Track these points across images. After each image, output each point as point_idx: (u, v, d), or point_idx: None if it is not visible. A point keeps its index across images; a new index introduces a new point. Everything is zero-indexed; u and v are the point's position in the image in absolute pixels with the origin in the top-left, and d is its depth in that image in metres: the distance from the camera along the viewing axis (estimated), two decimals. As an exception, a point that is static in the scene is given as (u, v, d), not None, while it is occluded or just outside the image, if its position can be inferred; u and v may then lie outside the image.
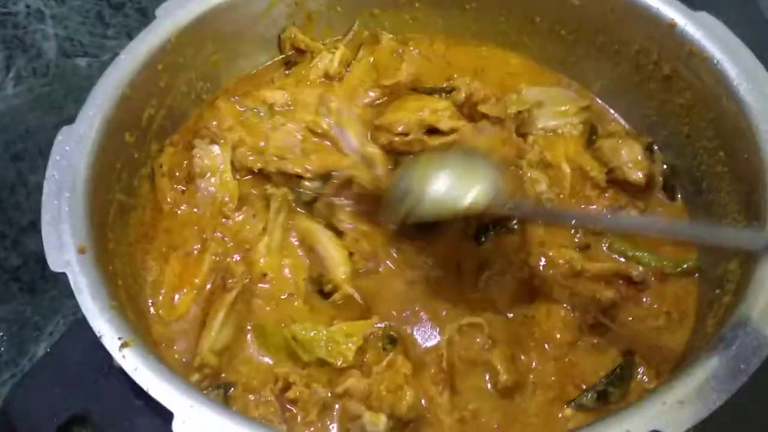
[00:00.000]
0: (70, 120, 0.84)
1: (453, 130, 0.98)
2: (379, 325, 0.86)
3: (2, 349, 1.09)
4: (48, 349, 1.01)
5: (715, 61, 0.89)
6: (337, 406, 0.80)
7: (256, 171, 0.97)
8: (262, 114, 1.03)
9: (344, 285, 0.89)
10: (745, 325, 0.71)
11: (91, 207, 0.80)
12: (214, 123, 0.99)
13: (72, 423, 0.69)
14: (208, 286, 0.90)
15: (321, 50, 1.11)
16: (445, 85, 1.06)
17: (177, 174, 0.98)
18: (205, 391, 0.81)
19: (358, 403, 0.79)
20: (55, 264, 0.73)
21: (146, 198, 0.96)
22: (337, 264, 0.90)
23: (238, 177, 0.98)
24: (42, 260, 1.14)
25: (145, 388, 0.66)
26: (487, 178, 0.82)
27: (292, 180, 0.96)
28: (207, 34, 1.00)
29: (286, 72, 1.12)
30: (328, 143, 1.00)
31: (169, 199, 0.96)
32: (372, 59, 1.10)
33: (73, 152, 0.82)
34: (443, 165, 0.85)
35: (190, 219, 0.96)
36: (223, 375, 0.84)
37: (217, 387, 0.83)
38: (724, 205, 0.88)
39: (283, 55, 1.13)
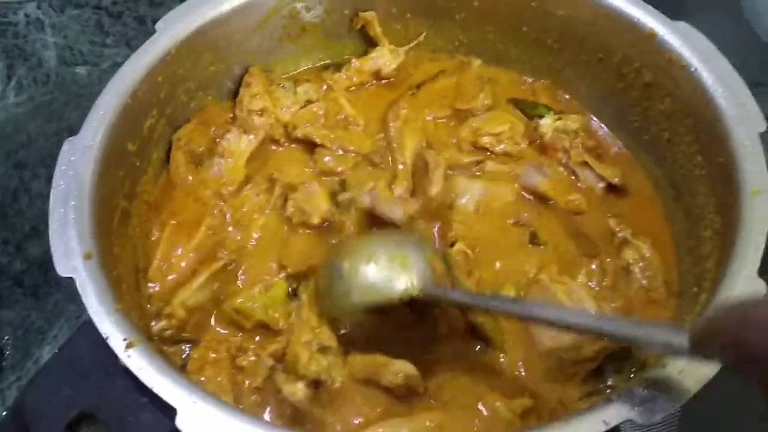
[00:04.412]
0: (71, 128, 0.86)
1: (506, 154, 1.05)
2: None
3: (8, 352, 1.12)
4: (56, 350, 1.04)
5: (693, 69, 0.92)
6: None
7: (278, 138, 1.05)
8: (285, 88, 1.09)
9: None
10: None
11: (96, 214, 0.82)
12: (251, 108, 1.05)
13: (80, 419, 0.71)
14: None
15: (385, 45, 1.14)
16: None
17: (193, 151, 1.02)
18: (165, 346, 0.87)
19: (282, 372, 0.82)
20: (62, 269, 0.76)
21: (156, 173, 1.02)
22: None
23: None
24: (45, 265, 1.19)
25: (149, 386, 0.68)
26: (419, 263, 0.82)
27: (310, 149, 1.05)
28: (205, 45, 1.02)
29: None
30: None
31: (181, 173, 1.01)
32: (455, 80, 1.14)
33: (78, 162, 0.84)
34: (372, 252, 0.84)
35: (195, 192, 1.00)
36: (185, 334, 0.88)
37: (179, 342, 0.88)
38: (701, 206, 0.91)
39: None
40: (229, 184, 1.00)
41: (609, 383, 0.84)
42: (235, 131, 1.04)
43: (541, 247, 0.96)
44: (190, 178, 1.01)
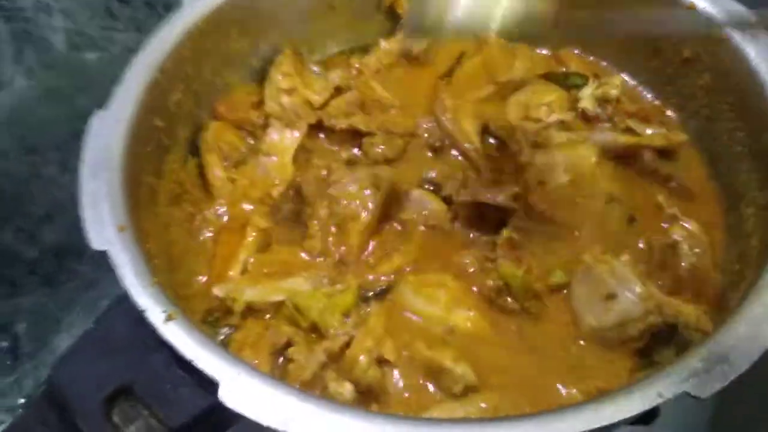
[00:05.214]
0: (82, 112, 0.84)
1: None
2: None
3: (23, 340, 1.10)
4: (75, 336, 1.02)
5: (734, 43, 0.91)
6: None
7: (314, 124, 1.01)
8: (316, 72, 1.07)
9: None
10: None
11: (126, 188, 0.80)
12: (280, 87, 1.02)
13: (117, 394, 0.69)
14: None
15: None
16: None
17: (226, 151, 0.99)
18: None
19: (332, 371, 0.79)
20: (96, 242, 0.74)
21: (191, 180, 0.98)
22: None
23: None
24: (60, 253, 1.17)
25: (190, 359, 0.66)
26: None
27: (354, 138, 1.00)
28: (231, 21, 1.01)
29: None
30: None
31: (218, 174, 0.97)
32: (480, 59, 1.11)
33: (108, 135, 0.82)
34: None
35: (243, 193, 0.97)
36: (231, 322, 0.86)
37: (220, 325, 0.86)
38: (743, 183, 0.90)
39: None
40: (280, 185, 0.97)
41: (656, 361, 0.82)
42: (277, 125, 1.00)
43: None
44: (233, 179, 0.98)
